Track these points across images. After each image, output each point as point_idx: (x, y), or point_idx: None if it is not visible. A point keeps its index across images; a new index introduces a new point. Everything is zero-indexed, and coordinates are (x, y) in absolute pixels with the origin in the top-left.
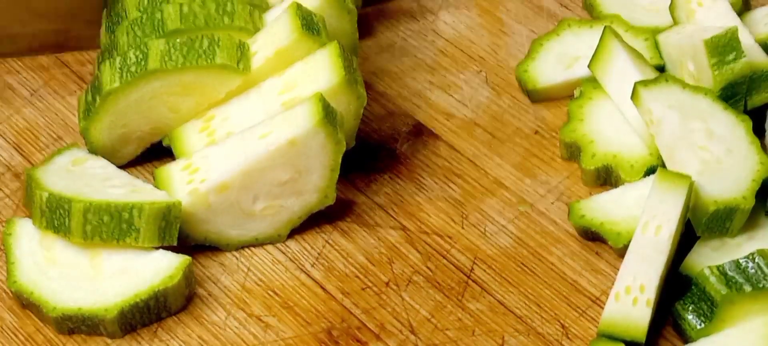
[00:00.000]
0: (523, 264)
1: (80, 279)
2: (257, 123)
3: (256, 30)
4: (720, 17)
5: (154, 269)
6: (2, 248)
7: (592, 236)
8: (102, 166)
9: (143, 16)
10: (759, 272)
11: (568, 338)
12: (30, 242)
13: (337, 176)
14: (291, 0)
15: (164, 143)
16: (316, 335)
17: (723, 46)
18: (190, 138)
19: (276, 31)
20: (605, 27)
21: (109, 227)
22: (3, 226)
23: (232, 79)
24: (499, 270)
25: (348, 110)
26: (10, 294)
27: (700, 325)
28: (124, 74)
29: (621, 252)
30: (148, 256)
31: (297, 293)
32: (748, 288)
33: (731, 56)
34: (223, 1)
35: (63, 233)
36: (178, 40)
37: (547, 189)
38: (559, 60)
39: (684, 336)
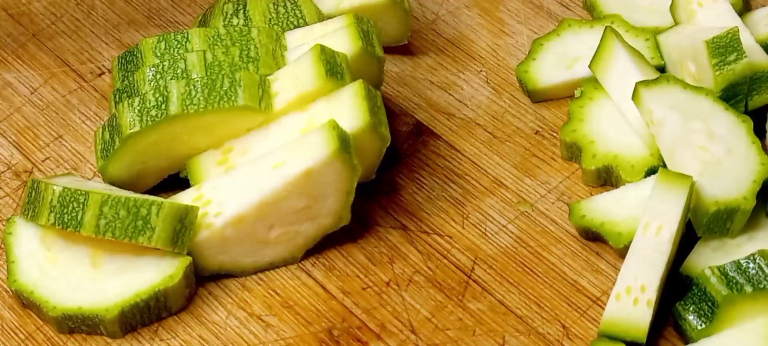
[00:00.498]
0: (523, 264)
1: (81, 279)
2: (269, 151)
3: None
4: (720, 17)
5: (154, 268)
6: (2, 246)
7: (592, 237)
8: (108, 186)
9: (164, 64)
10: (760, 273)
11: (569, 338)
12: (30, 242)
13: (353, 198)
14: (315, 42)
15: (182, 175)
16: (317, 334)
17: (724, 47)
18: (207, 170)
19: (299, 73)
20: (606, 27)
21: (124, 222)
22: (3, 225)
23: (254, 119)
24: (500, 270)
25: (371, 150)
26: (11, 293)
27: (701, 325)
28: (144, 118)
29: (622, 252)
30: (148, 255)
31: (298, 293)
32: (748, 289)
33: (732, 57)
34: (245, 47)
35: (73, 228)
36: (198, 82)
37: (548, 189)
38: (559, 60)
39: (684, 337)
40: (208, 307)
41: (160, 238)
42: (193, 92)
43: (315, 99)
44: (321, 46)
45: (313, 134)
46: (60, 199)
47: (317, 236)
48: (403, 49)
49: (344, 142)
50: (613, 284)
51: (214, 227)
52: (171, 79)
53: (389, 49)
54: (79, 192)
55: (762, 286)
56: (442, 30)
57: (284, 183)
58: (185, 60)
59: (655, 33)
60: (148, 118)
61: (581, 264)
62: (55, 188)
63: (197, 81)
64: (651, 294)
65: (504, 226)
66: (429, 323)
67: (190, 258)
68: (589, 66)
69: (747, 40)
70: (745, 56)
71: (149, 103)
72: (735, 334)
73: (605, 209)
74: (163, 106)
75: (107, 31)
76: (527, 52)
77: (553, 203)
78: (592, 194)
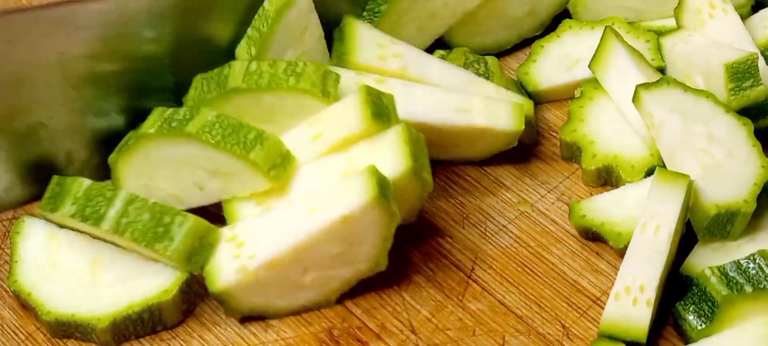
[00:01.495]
0: (523, 264)
1: (78, 285)
2: (307, 194)
3: (326, 95)
4: (730, 31)
5: (150, 281)
6: (7, 245)
7: (592, 236)
8: None
9: (215, 70)
10: (760, 273)
11: (569, 338)
12: (36, 243)
13: (391, 244)
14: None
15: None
16: (317, 334)
17: (742, 73)
18: (243, 209)
19: (344, 116)
20: (606, 27)
21: (146, 226)
22: (12, 223)
23: (260, 181)
24: (500, 270)
25: (412, 194)
26: (11, 293)
27: (701, 326)
28: (164, 125)
29: (621, 252)
30: (147, 268)
31: None
32: (749, 289)
33: (749, 83)
34: (294, 62)
35: (92, 222)
36: (226, 119)
37: (548, 189)
38: (560, 62)
39: (684, 337)
40: (209, 307)
41: (176, 250)
42: (216, 126)
43: (358, 141)
44: (367, 87)
45: (352, 180)
46: (86, 192)
47: (352, 280)
48: None
49: (383, 189)
50: (613, 284)
51: (247, 270)
52: (214, 86)
53: None
54: (107, 187)
55: (762, 286)
56: None
57: (320, 228)
58: (230, 66)
59: (658, 33)
60: (167, 127)
61: (581, 264)
62: (83, 182)
63: (225, 119)
64: (650, 294)
65: (504, 226)
66: (429, 323)
67: (187, 274)
68: (589, 66)
69: (762, 66)
70: (761, 84)
71: (177, 115)
72: (735, 334)
73: (605, 209)
74: (184, 123)
75: None
76: (528, 54)
77: (553, 203)
78: (592, 194)
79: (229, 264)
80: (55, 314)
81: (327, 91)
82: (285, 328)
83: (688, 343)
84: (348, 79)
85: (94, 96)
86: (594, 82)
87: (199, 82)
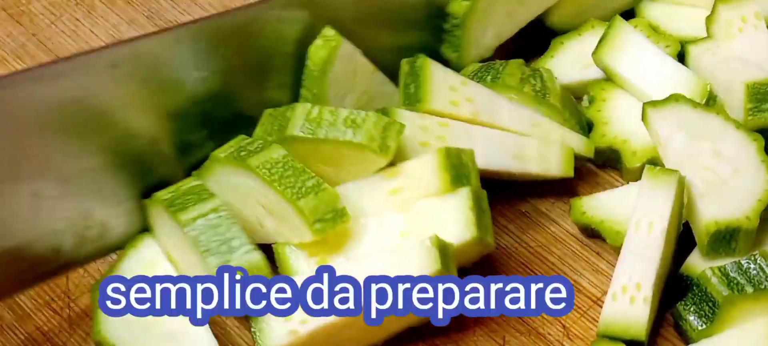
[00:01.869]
0: (523, 264)
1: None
2: (364, 259)
3: (384, 150)
4: (759, 48)
5: None
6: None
7: (591, 233)
8: None
9: (275, 110)
10: (761, 273)
11: (569, 338)
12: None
13: None
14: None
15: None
16: None
17: (763, 94)
18: (297, 263)
19: (424, 176)
20: (615, 16)
21: (211, 235)
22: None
23: (305, 232)
24: (500, 270)
25: (471, 254)
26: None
27: (702, 326)
28: (234, 152)
29: (619, 251)
30: (199, 334)
31: None
32: (749, 289)
33: (767, 106)
34: (355, 113)
35: (174, 211)
36: (291, 161)
37: (548, 189)
38: (577, 59)
39: (685, 337)
40: None
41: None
42: (276, 165)
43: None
44: (447, 149)
45: (415, 250)
46: (187, 192)
47: (399, 331)
48: None
49: (445, 262)
50: None
51: (299, 334)
52: (277, 128)
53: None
54: (205, 191)
55: (763, 286)
56: None
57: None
58: (294, 109)
59: (684, 42)
60: (233, 155)
61: (581, 264)
62: (186, 183)
63: (291, 161)
64: (647, 291)
65: (504, 226)
66: (429, 323)
67: None
68: (593, 55)
69: None
70: None
71: (247, 144)
72: (736, 334)
73: (606, 206)
74: (248, 154)
75: (107, 31)
76: (547, 50)
77: (553, 203)
78: (593, 192)
79: (281, 326)
80: None
81: (386, 146)
82: None
83: (688, 343)
84: (412, 123)
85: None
86: (600, 84)
87: (266, 119)
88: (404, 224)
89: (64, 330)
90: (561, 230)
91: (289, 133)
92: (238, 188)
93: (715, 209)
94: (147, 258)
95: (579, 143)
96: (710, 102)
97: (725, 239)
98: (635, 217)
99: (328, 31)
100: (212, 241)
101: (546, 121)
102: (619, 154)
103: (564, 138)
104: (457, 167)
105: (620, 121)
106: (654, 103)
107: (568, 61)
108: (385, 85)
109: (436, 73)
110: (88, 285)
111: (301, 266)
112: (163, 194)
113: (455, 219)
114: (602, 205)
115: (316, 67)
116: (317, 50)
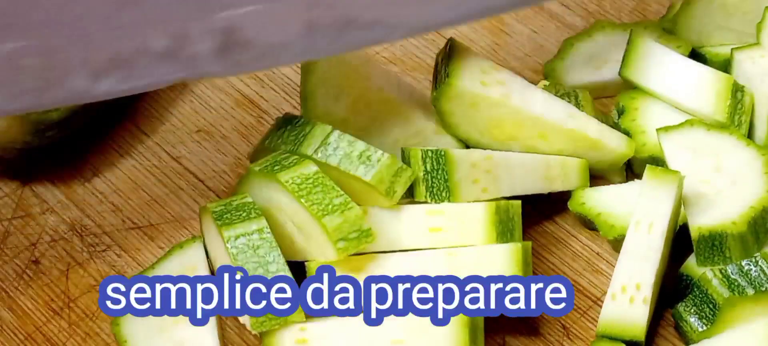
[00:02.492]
0: None
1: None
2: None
3: (390, 194)
4: None
5: None
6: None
7: (587, 224)
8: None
9: (300, 122)
10: (761, 275)
11: (569, 338)
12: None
13: None
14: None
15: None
16: None
17: None
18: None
19: (469, 224)
20: (632, 30)
21: (250, 255)
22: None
23: (330, 251)
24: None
25: None
26: (9, 293)
27: (702, 328)
28: (269, 166)
29: (614, 246)
30: (207, 343)
31: None
32: (750, 291)
33: None
34: (371, 150)
35: (220, 225)
36: (323, 179)
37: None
38: (588, 62)
39: (685, 338)
40: None
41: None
42: (305, 181)
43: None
44: (497, 204)
45: (441, 331)
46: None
47: None
48: (403, 48)
49: (474, 338)
50: None
51: None
52: (293, 139)
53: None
54: (255, 208)
55: (764, 288)
56: (442, 30)
57: None
58: (314, 126)
59: (732, 48)
60: (270, 168)
61: (581, 264)
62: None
63: (322, 178)
64: (646, 292)
65: None
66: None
67: None
68: (621, 74)
69: None
70: None
71: (285, 160)
72: (736, 336)
73: (606, 200)
74: (279, 168)
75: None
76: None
77: (553, 204)
78: (594, 185)
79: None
80: None
81: (393, 190)
82: None
83: (688, 344)
84: (464, 162)
85: None
86: (629, 94)
87: (281, 123)
88: (446, 271)
89: (63, 330)
90: (561, 230)
91: (302, 151)
92: (271, 201)
93: (702, 218)
94: (187, 263)
95: (619, 141)
96: (735, 99)
97: (717, 247)
98: (635, 216)
99: None
100: (250, 261)
101: (582, 114)
102: (664, 162)
103: (603, 134)
104: (505, 222)
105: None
106: (666, 129)
107: (579, 63)
108: (384, 93)
109: (466, 55)
110: (87, 285)
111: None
112: (215, 206)
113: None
114: (602, 198)
115: (303, 66)
116: None
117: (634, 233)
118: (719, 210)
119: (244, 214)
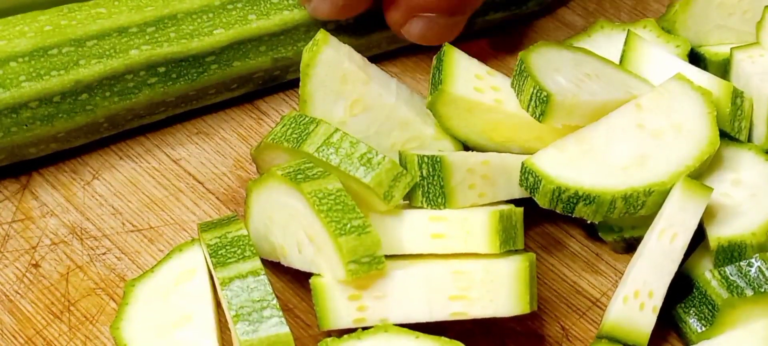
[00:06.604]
0: None
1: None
2: (401, 304)
3: (388, 198)
4: None
5: None
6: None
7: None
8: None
9: (304, 120)
10: (761, 276)
11: (569, 339)
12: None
13: None
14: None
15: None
16: (316, 337)
17: None
18: (332, 291)
19: (472, 232)
20: (628, 31)
21: (245, 299)
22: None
23: (339, 270)
24: None
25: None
26: (10, 297)
27: (701, 328)
28: (292, 172)
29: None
30: None
31: (297, 296)
32: (749, 292)
33: None
34: (373, 152)
35: (215, 264)
36: (344, 197)
37: None
38: None
39: (685, 339)
40: None
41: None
42: (331, 196)
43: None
44: (500, 213)
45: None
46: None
47: None
48: (403, 48)
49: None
50: (613, 285)
51: None
52: (296, 136)
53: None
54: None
55: (763, 289)
56: None
57: None
58: (317, 123)
59: (732, 48)
60: (292, 175)
61: (581, 265)
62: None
63: (340, 194)
64: (658, 301)
65: None
66: (430, 324)
67: None
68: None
69: None
70: None
71: (309, 170)
72: (735, 336)
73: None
74: (306, 180)
75: None
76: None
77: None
78: None
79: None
80: None
81: (391, 195)
82: None
83: (688, 345)
84: (461, 166)
85: None
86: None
87: (289, 120)
88: (452, 286)
89: (63, 334)
90: (561, 231)
91: (304, 149)
92: (285, 207)
93: (721, 230)
94: (187, 266)
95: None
96: (735, 105)
97: (736, 257)
98: (660, 225)
99: (318, 35)
100: (245, 306)
101: None
102: None
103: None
104: (508, 230)
105: None
106: None
107: None
108: (383, 98)
109: (460, 61)
110: (88, 289)
111: (336, 298)
112: (210, 237)
113: (507, 295)
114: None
115: (302, 68)
116: (304, 53)
117: (656, 241)
118: (738, 222)
119: (239, 251)
